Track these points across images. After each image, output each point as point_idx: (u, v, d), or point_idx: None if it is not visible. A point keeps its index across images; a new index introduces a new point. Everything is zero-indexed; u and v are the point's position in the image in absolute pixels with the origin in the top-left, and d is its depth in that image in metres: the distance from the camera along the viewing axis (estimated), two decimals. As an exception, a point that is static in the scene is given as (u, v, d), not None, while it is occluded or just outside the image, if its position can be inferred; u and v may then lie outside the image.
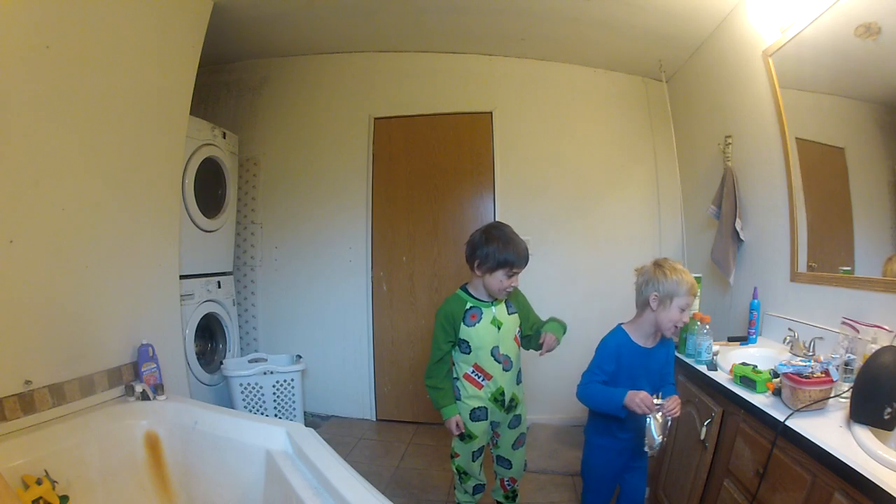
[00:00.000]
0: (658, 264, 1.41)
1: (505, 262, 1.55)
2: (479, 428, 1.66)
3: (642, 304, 1.43)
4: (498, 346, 1.63)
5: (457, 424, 1.63)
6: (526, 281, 2.98)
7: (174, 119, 2.22)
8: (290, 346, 3.11)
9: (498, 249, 1.54)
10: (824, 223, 1.81)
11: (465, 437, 1.67)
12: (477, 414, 1.65)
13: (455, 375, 1.70)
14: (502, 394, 1.66)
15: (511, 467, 1.77)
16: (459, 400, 1.66)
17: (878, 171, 1.51)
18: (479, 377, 1.64)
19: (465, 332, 1.62)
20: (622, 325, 1.48)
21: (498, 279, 1.56)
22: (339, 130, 3.18)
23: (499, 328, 1.63)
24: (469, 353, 1.63)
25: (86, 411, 1.67)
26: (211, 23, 2.33)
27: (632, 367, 1.43)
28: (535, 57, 3.05)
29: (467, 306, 1.62)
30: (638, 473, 1.55)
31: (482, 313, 1.62)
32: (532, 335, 1.70)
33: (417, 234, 3.12)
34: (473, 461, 1.72)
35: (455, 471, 1.75)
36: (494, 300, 1.64)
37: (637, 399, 1.30)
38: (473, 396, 1.65)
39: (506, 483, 1.80)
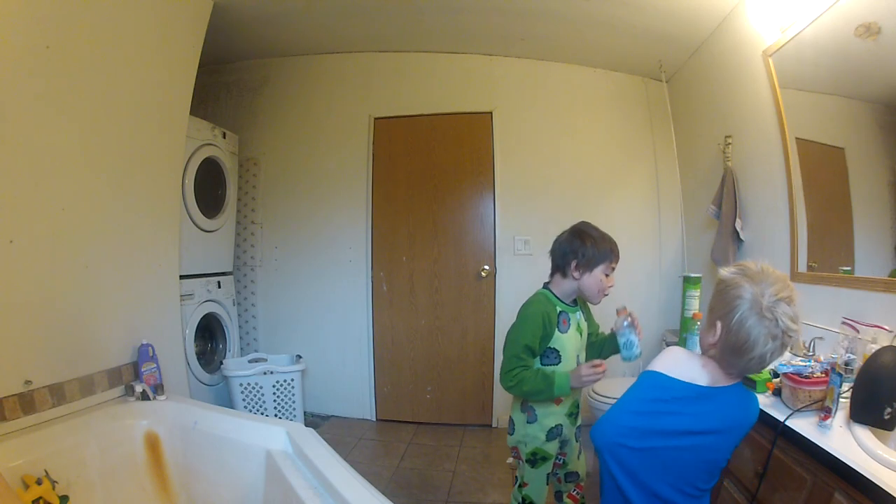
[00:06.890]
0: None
1: (605, 256, 1.43)
2: (555, 447, 1.49)
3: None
4: (579, 355, 1.50)
5: (592, 367, 1.36)
6: (527, 281, 3.00)
7: (174, 119, 2.22)
8: (290, 346, 3.11)
9: (595, 244, 1.44)
10: (824, 223, 1.81)
11: (538, 460, 1.48)
12: (553, 433, 1.47)
13: None
14: (577, 406, 1.52)
15: (578, 477, 1.62)
16: (535, 421, 1.47)
17: (878, 171, 1.51)
18: None
19: (557, 339, 1.44)
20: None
21: (597, 278, 1.43)
22: (339, 130, 3.18)
23: (581, 335, 1.51)
24: (558, 364, 1.44)
25: (86, 411, 1.67)
26: (211, 23, 2.33)
27: None
28: (535, 57, 3.05)
29: (558, 310, 1.46)
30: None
31: (570, 318, 1.48)
32: (596, 342, 1.60)
33: (417, 234, 3.12)
34: (547, 484, 1.52)
35: (521, 502, 1.54)
36: (575, 304, 1.51)
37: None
38: (551, 414, 1.47)
39: (574, 493, 1.62)
